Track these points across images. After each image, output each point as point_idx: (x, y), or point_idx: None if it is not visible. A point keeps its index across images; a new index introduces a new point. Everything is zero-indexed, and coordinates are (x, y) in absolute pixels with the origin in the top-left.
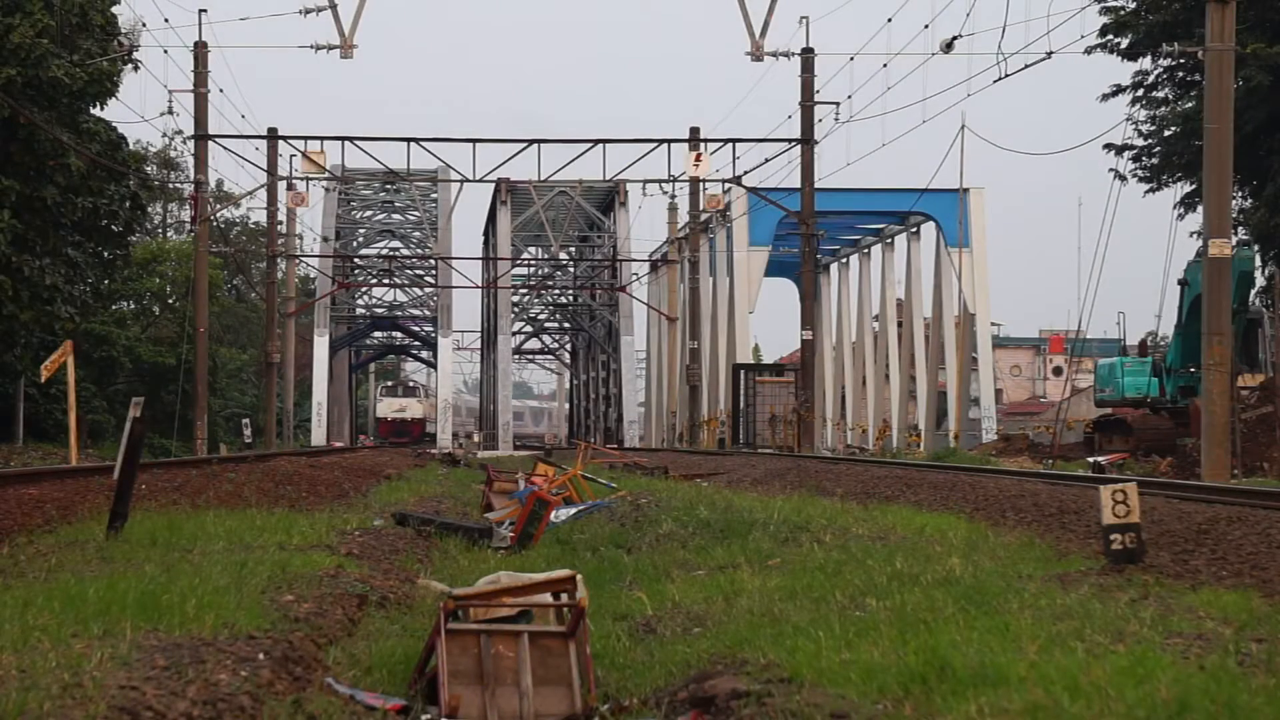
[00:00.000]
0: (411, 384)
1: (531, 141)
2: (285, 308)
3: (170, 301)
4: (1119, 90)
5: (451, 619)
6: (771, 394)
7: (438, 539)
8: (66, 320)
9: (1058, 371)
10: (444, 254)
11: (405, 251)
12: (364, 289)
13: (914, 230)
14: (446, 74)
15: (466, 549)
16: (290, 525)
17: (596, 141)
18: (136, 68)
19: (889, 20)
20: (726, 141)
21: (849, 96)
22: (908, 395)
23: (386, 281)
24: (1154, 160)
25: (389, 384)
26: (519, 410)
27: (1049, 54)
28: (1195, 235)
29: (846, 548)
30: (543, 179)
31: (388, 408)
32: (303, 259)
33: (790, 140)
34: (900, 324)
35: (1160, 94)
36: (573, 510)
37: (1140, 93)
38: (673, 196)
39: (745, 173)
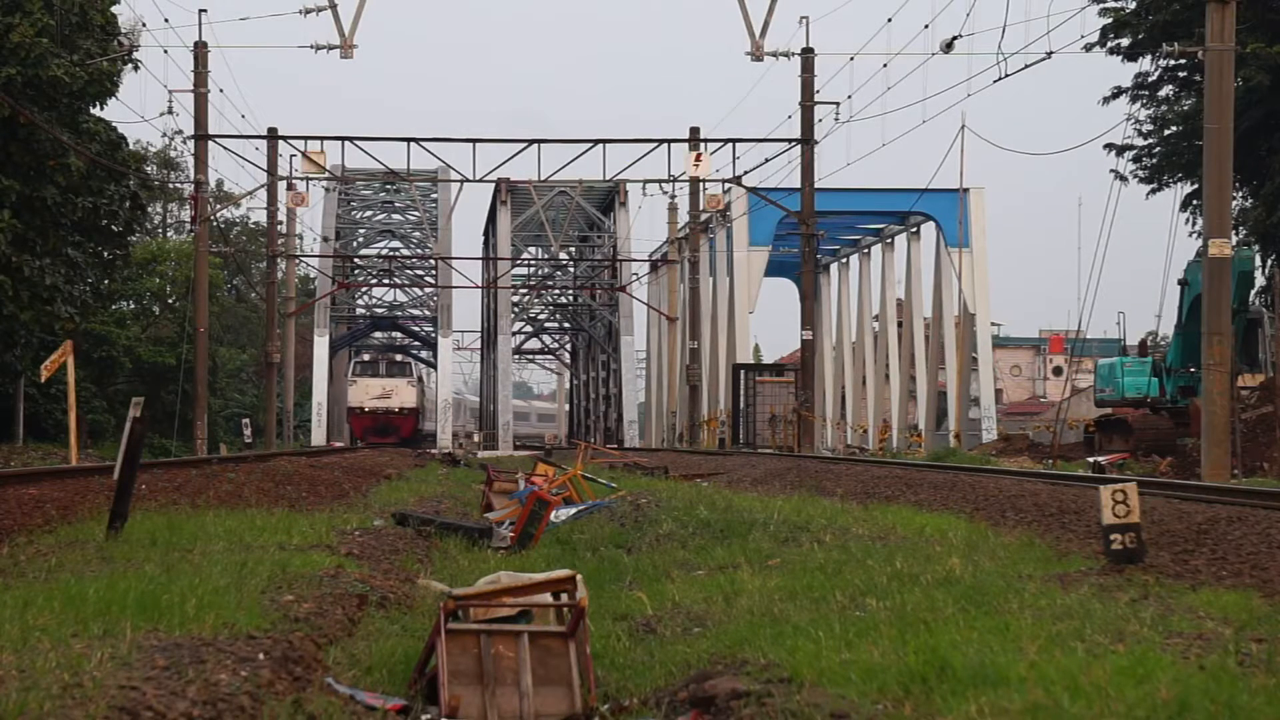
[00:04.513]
0: (399, 359)
1: (531, 141)
2: (285, 308)
3: (170, 301)
4: (1119, 93)
5: (451, 619)
6: (771, 394)
7: (438, 539)
8: (66, 320)
9: (1058, 371)
10: (444, 254)
11: (405, 251)
12: (364, 289)
13: (914, 230)
14: (446, 73)
15: (466, 549)
16: (290, 525)
17: (596, 141)
18: (136, 68)
19: (889, 20)
20: (726, 141)
21: (849, 96)
22: (908, 395)
23: (386, 281)
24: (1154, 160)
25: (364, 359)
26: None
27: (1049, 54)
28: (1195, 235)
29: (846, 548)
30: (543, 179)
31: (364, 393)
32: (303, 259)
33: (790, 140)
34: (900, 324)
35: (1161, 92)
36: (573, 510)
37: (1141, 91)
38: (673, 196)
39: (745, 173)
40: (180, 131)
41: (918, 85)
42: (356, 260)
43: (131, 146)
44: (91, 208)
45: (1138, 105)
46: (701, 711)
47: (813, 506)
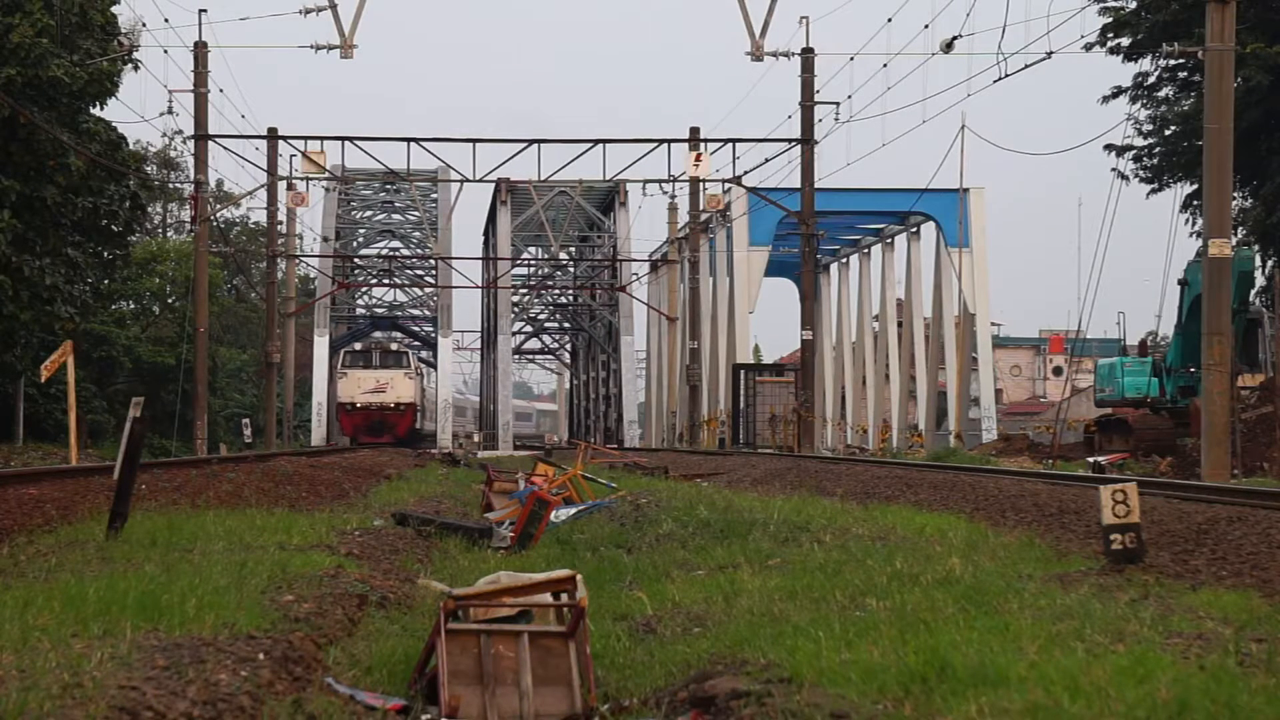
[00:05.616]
0: (394, 349)
1: (531, 141)
2: (285, 308)
3: (170, 301)
4: (1119, 92)
5: (451, 619)
6: (771, 394)
7: (438, 539)
8: (66, 320)
9: (1058, 371)
10: (444, 254)
11: (405, 251)
12: (364, 289)
13: (914, 230)
14: (446, 74)
15: (466, 549)
16: (290, 525)
17: (596, 141)
18: (136, 68)
19: (889, 20)
20: (726, 141)
21: (849, 96)
22: (908, 395)
23: (386, 281)
24: (1154, 160)
25: (356, 349)
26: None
27: (1049, 54)
28: (1195, 235)
29: (846, 548)
30: (543, 179)
31: (355, 386)
32: (303, 259)
33: (790, 140)
34: (900, 324)
35: (1161, 93)
36: (573, 510)
37: (1141, 91)
38: (673, 196)
39: (745, 173)
40: (180, 131)
41: (918, 85)
42: (356, 260)
43: (131, 146)
44: (91, 208)
45: (1138, 105)
46: (701, 711)
47: (813, 506)
